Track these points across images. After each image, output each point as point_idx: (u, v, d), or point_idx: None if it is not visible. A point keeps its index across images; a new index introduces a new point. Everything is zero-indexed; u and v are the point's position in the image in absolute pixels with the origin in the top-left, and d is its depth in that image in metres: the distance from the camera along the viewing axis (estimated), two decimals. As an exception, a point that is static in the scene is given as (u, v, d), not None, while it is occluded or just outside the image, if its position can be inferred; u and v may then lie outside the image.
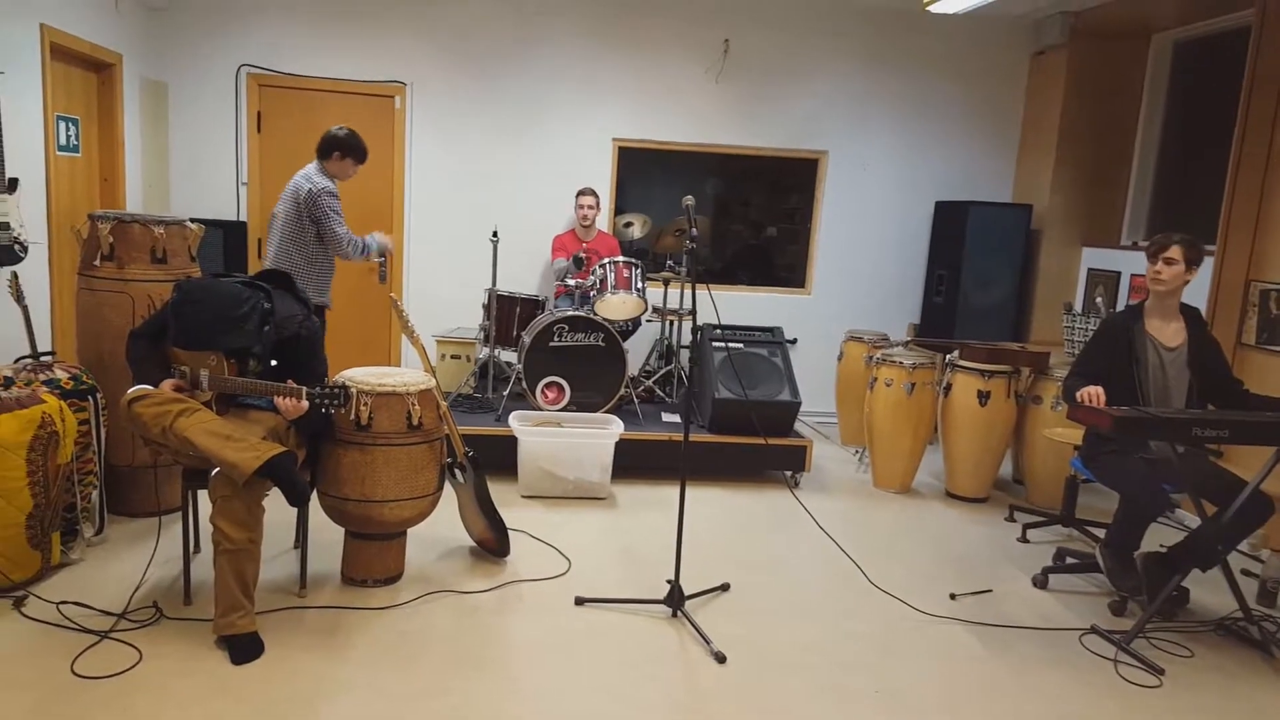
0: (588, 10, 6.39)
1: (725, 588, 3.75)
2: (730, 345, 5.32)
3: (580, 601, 3.52)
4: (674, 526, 3.91)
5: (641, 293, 5.38)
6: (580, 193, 6.06)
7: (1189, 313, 3.80)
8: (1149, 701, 3.06)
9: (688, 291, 6.11)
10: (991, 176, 6.92)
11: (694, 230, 3.44)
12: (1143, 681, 3.18)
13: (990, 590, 3.91)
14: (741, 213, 7.05)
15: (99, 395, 3.70)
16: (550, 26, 6.38)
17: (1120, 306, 5.99)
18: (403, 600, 3.45)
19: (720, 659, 3.14)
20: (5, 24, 4.22)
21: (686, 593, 3.51)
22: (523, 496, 4.74)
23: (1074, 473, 4.37)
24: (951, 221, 6.65)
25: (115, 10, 5.41)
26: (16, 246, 4.14)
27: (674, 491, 4.93)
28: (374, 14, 6.22)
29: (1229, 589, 3.50)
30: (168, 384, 3.09)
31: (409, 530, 3.68)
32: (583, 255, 5.75)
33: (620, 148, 6.63)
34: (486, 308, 5.50)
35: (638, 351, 6.34)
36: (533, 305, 5.63)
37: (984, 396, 4.99)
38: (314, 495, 3.45)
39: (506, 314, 5.55)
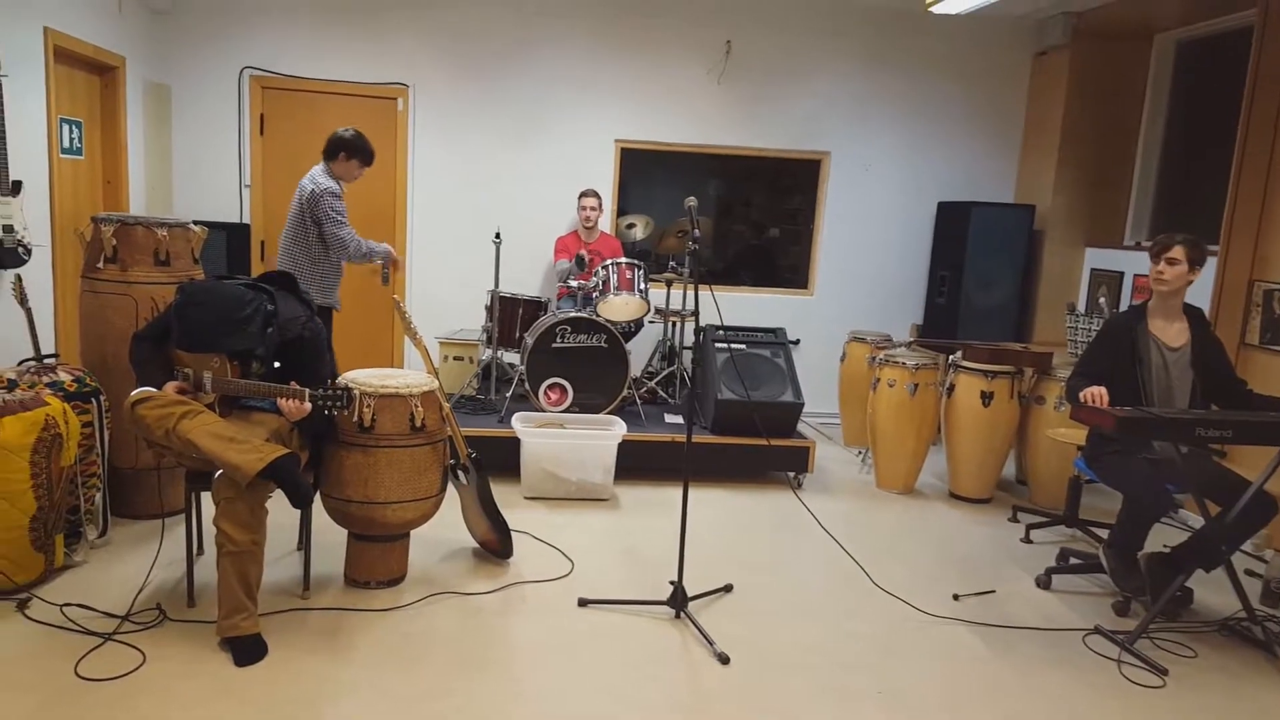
0: (589, 12, 6.40)
1: (728, 589, 3.75)
2: (733, 346, 5.32)
3: (583, 603, 3.52)
4: (677, 527, 3.91)
5: (644, 294, 5.38)
6: (583, 194, 6.07)
7: (1192, 313, 3.80)
8: (1152, 702, 3.05)
9: (690, 292, 6.11)
10: (994, 177, 6.91)
11: (696, 231, 3.44)
12: (1146, 682, 3.18)
13: (993, 591, 3.91)
14: (744, 213, 7.05)
15: (102, 397, 3.70)
16: (552, 28, 6.39)
17: (1123, 307, 5.98)
18: (406, 602, 3.45)
19: (723, 660, 3.14)
20: (9, 27, 4.23)
21: (689, 594, 3.51)
22: (525, 498, 4.74)
23: (1077, 473, 4.37)
24: (954, 222, 6.64)
25: (118, 13, 5.42)
26: (20, 249, 4.15)
27: (677, 492, 4.93)
28: (376, 16, 6.23)
29: (1233, 589, 3.49)
30: (171, 386, 3.10)
31: (412, 532, 3.68)
32: (585, 255, 5.75)
33: (622, 149, 6.64)
34: (489, 309, 5.50)
35: (640, 353, 6.34)
36: (535, 307, 5.63)
37: (987, 397, 4.98)
38: (317, 497, 3.46)
39: (509, 315, 5.55)
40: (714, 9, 6.47)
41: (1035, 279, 6.65)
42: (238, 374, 3.14)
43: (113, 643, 2.99)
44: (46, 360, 3.71)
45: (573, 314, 5.19)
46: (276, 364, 3.21)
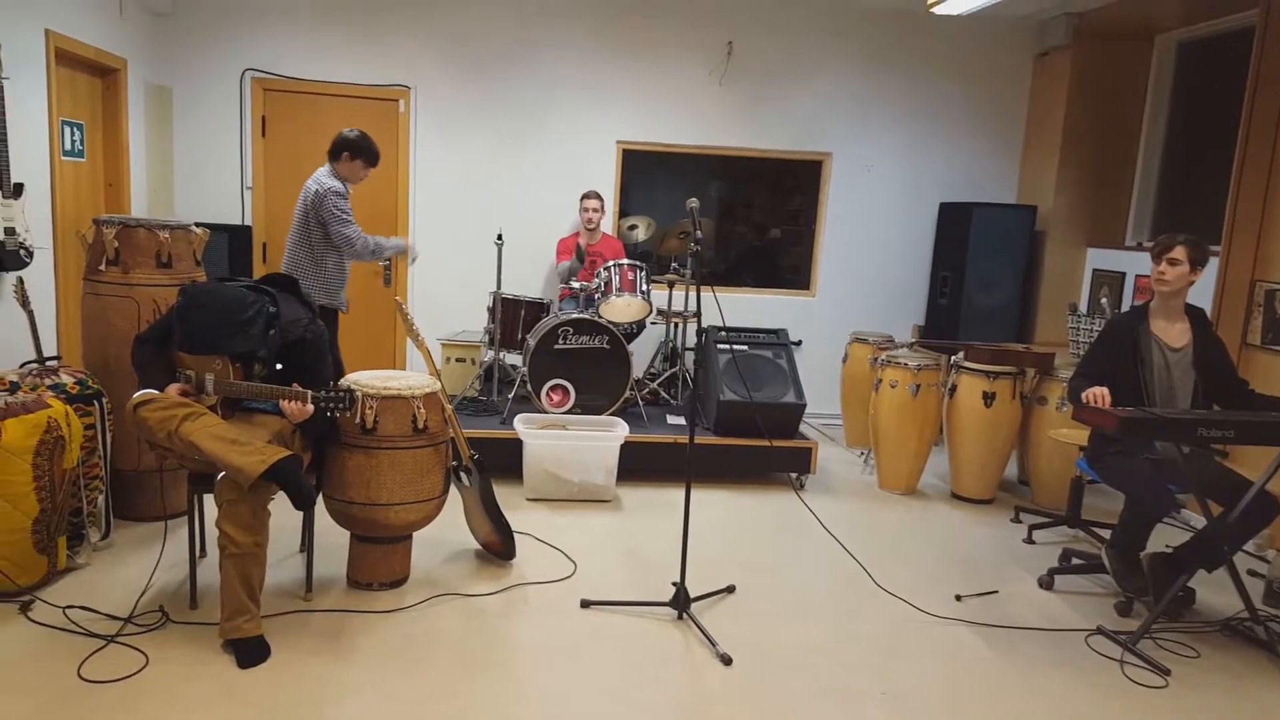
0: (590, 13, 6.40)
1: (731, 590, 3.75)
2: (735, 347, 5.32)
3: (586, 604, 3.52)
4: (679, 529, 3.92)
5: (646, 295, 5.38)
6: (585, 196, 6.06)
7: (1194, 313, 3.80)
8: (1155, 702, 3.05)
9: (692, 294, 6.11)
10: (995, 178, 6.91)
11: (698, 232, 3.44)
12: (1149, 682, 3.18)
13: (996, 591, 3.90)
14: (745, 215, 7.06)
15: (104, 400, 3.71)
16: (553, 30, 6.39)
17: (1125, 307, 5.98)
18: (408, 603, 3.45)
19: (726, 661, 3.14)
20: (10, 29, 4.24)
21: (692, 595, 3.51)
22: (528, 499, 4.74)
23: (1079, 473, 4.36)
24: (956, 223, 6.64)
25: (120, 15, 5.43)
26: (22, 251, 4.16)
27: (679, 494, 4.93)
28: (378, 18, 6.24)
29: (1235, 589, 3.48)
30: (173, 388, 3.10)
31: (414, 533, 3.68)
32: (581, 245, 5.75)
33: (624, 150, 6.64)
34: (491, 311, 5.51)
35: (642, 354, 6.34)
36: (537, 308, 5.64)
37: (989, 398, 4.98)
38: (319, 499, 3.46)
39: (511, 317, 5.55)
40: (715, 10, 6.47)
41: (1037, 279, 6.65)
42: (240, 376, 3.14)
43: (115, 645, 3.00)
44: (48, 362, 3.71)
45: (575, 315, 5.20)
46: (279, 366, 3.21)
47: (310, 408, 3.03)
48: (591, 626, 3.35)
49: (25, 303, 3.67)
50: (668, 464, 5.05)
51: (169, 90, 6.11)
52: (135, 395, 3.03)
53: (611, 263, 5.40)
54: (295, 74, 6.21)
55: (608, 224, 6.42)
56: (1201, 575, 3.72)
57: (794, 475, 5.29)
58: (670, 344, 6.15)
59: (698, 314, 3.49)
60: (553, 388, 5.18)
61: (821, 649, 3.30)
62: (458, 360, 5.78)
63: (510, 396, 5.29)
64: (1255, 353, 4.86)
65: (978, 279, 6.49)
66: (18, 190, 4.16)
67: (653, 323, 5.99)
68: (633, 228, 6.37)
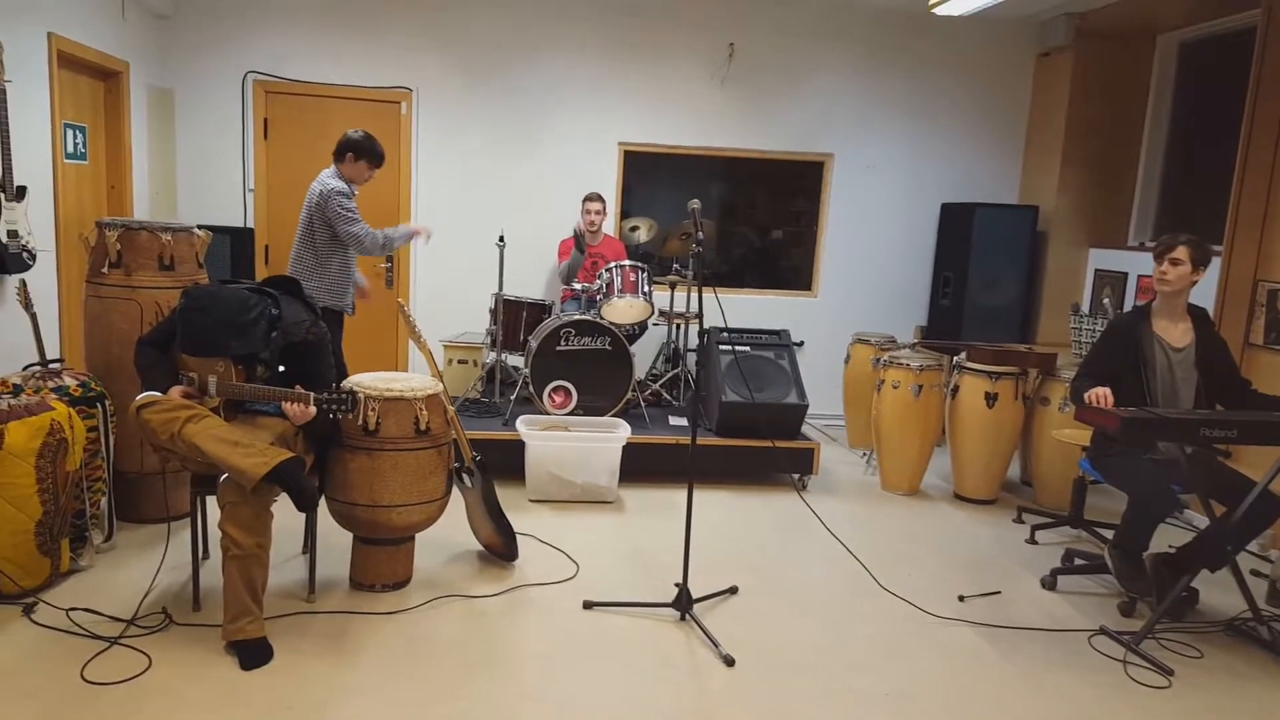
0: (592, 15, 6.40)
1: (733, 590, 3.75)
2: (737, 348, 5.32)
3: (588, 605, 3.52)
4: (681, 530, 3.90)
5: (648, 296, 5.38)
6: (587, 198, 6.06)
7: (1196, 313, 3.80)
8: (1158, 702, 3.05)
9: (694, 295, 6.11)
10: (997, 178, 6.91)
11: (700, 234, 3.44)
12: (1152, 682, 3.17)
13: (999, 592, 3.90)
14: (747, 216, 7.05)
15: (107, 402, 3.71)
16: (555, 31, 6.40)
17: (1127, 307, 5.98)
18: (411, 605, 3.45)
19: (729, 662, 3.14)
20: (13, 33, 4.25)
21: (695, 596, 3.51)
22: (530, 500, 4.74)
23: (1082, 474, 4.36)
24: (957, 223, 6.64)
25: (122, 19, 5.44)
26: (25, 254, 4.17)
27: (681, 495, 4.93)
28: (380, 20, 6.25)
29: (1238, 589, 3.48)
30: (176, 390, 3.11)
31: (417, 535, 3.68)
32: (581, 233, 5.74)
33: (626, 152, 6.64)
34: (493, 312, 5.51)
35: (644, 355, 6.34)
36: (539, 309, 5.64)
37: (991, 398, 4.98)
38: (322, 500, 3.46)
39: (513, 318, 5.55)
40: (716, 11, 6.48)
41: (1039, 280, 6.65)
42: (242, 378, 3.14)
43: (119, 647, 3.00)
44: (51, 365, 3.72)
45: (577, 317, 5.20)
46: (281, 368, 3.21)
47: (313, 410, 3.04)
48: (594, 628, 3.35)
49: (28, 305, 3.68)
50: (670, 465, 5.05)
51: (171, 93, 6.12)
52: (138, 397, 3.04)
53: (613, 264, 5.40)
54: (297, 76, 6.22)
55: (609, 225, 6.42)
56: (1205, 575, 3.72)
57: (796, 476, 5.29)
58: (672, 345, 6.15)
59: (700, 315, 3.49)
60: (555, 389, 5.18)
61: (824, 650, 3.29)
62: (460, 362, 5.78)
63: (512, 398, 5.29)
64: (1258, 352, 4.86)
65: (980, 279, 6.49)
66: (20, 193, 4.17)
67: (655, 324, 5.99)
68: (634, 229, 6.37)
